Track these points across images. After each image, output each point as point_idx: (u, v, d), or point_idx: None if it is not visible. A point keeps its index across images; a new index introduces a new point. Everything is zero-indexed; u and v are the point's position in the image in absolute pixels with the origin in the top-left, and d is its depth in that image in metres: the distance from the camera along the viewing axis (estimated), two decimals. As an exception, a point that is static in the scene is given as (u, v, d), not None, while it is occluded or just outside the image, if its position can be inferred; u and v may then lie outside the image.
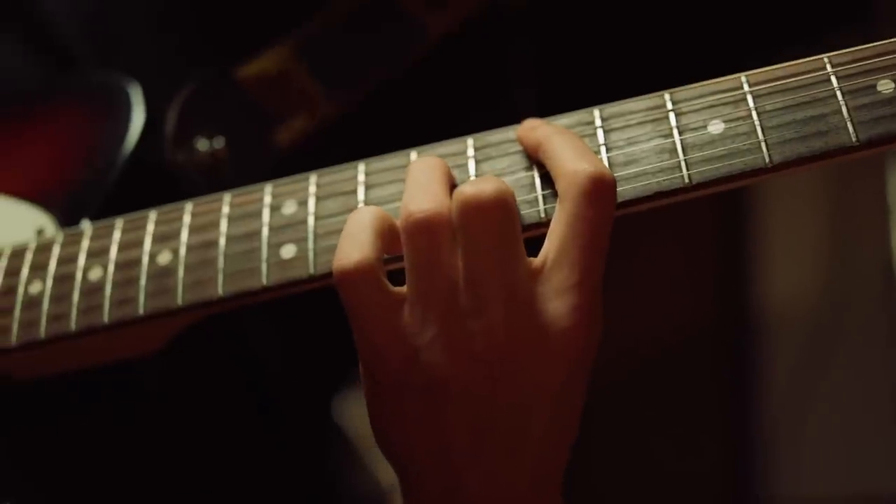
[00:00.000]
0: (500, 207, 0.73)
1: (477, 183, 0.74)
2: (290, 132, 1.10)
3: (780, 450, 2.74)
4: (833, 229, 2.72)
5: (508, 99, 1.27)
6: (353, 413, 2.03)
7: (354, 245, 0.75)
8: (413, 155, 0.85)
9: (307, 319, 1.18)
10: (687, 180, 0.78)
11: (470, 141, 0.84)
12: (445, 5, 1.18)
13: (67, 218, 0.98)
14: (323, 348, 1.25)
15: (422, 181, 0.77)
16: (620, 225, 0.77)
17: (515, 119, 1.11)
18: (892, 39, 0.77)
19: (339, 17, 1.14)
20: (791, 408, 2.72)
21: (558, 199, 0.76)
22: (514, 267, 0.74)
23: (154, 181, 1.02)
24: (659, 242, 2.37)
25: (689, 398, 2.49)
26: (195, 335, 0.94)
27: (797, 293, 2.76)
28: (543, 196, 0.80)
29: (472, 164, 0.83)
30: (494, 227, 0.73)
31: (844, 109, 0.76)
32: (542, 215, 0.80)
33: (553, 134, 0.79)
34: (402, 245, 0.75)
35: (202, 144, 1.05)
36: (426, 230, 0.74)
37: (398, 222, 0.75)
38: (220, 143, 1.06)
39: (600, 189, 0.74)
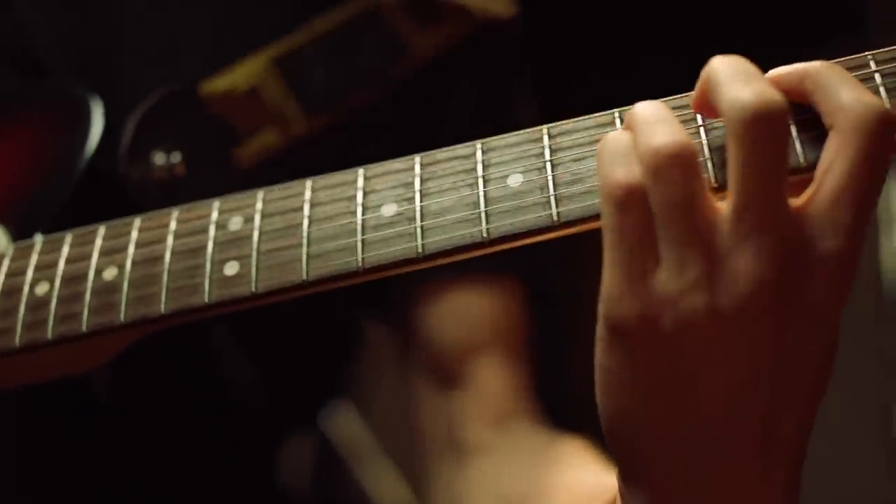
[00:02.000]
0: (786, 119, 0.66)
1: (760, 89, 0.66)
2: (255, 148, 1.09)
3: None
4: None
5: (509, 119, 1.25)
6: (341, 424, 2.03)
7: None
8: (361, 171, 0.84)
9: (280, 334, 1.16)
10: None
11: (418, 158, 0.83)
12: (434, 25, 1.16)
13: (21, 231, 0.97)
14: (299, 363, 1.24)
15: (660, 115, 0.69)
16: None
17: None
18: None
19: (321, 33, 1.13)
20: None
21: (835, 133, 0.68)
22: (784, 195, 0.66)
23: (110, 195, 1.01)
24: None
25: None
26: (155, 345, 0.93)
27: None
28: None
29: (417, 182, 0.82)
30: (777, 141, 0.65)
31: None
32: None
33: (820, 65, 0.70)
34: (651, 184, 0.66)
35: (159, 158, 1.04)
36: (682, 161, 0.66)
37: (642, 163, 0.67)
38: (177, 158, 1.05)
39: (888, 127, 0.67)
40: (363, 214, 0.82)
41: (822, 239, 0.66)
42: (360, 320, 1.30)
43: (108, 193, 1.01)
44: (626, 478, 0.71)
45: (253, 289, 0.83)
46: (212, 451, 1.15)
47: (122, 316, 0.85)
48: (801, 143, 0.72)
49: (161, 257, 0.86)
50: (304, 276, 0.81)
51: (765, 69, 0.76)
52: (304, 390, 1.27)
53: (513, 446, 1.14)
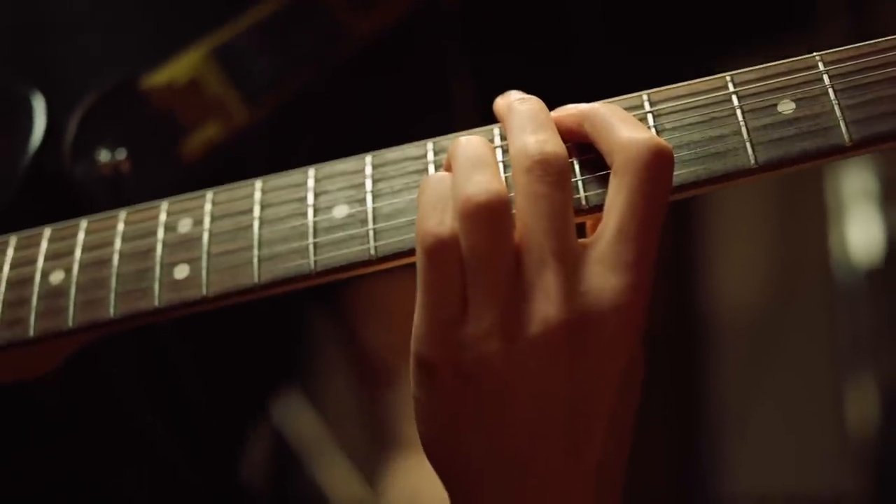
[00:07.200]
0: (564, 167, 0.71)
1: (543, 138, 0.71)
2: (200, 141, 1.07)
3: (725, 447, 2.75)
4: (775, 232, 2.72)
5: (445, 102, 1.25)
6: (295, 418, 2.01)
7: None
8: (311, 172, 0.83)
9: (227, 326, 1.15)
10: None
11: (368, 158, 0.82)
12: (372, 7, 1.15)
13: (-37, 234, 0.95)
14: (246, 357, 1.22)
15: (479, 157, 0.72)
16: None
17: (452, 121, 1.07)
18: (795, 58, 0.76)
19: (257, 21, 1.11)
20: (736, 406, 2.73)
21: (614, 173, 0.71)
22: (571, 236, 0.70)
23: (55, 194, 0.99)
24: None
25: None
26: (101, 348, 0.91)
27: (742, 294, 2.76)
28: None
29: (369, 183, 0.81)
30: (553, 191, 0.70)
31: (744, 130, 0.74)
32: None
33: (598, 106, 0.75)
34: (461, 232, 0.70)
35: (104, 156, 1.03)
36: (490, 212, 0.69)
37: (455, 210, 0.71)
38: (122, 154, 1.03)
39: (662, 161, 0.70)
40: (315, 216, 0.81)
41: (609, 275, 0.69)
42: (309, 314, 1.29)
43: (53, 193, 0.99)
44: (450, 495, 0.75)
45: (204, 292, 0.81)
46: (165, 455, 1.13)
47: (70, 321, 0.84)
48: (584, 183, 0.75)
49: (109, 260, 0.85)
50: (256, 280, 0.80)
51: (709, 66, 0.77)
52: (255, 383, 1.25)
53: None
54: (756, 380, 2.68)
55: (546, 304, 0.69)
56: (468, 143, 0.74)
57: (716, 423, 2.79)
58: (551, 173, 0.70)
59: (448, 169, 0.74)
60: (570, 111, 0.75)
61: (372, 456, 1.28)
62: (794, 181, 2.55)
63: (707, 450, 2.80)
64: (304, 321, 1.29)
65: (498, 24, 2.26)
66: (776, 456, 2.64)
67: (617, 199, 0.70)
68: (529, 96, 0.76)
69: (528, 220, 0.70)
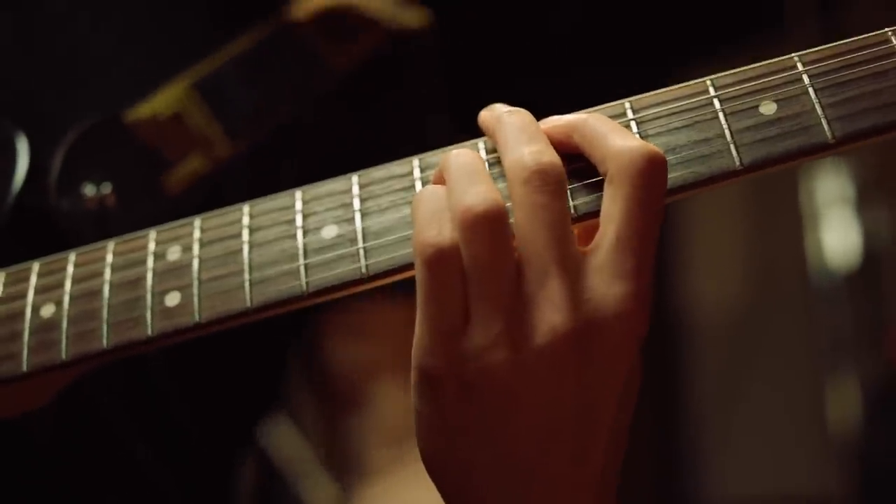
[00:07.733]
0: (560, 177, 0.71)
1: (534, 148, 0.71)
2: (184, 174, 1.07)
3: (707, 451, 2.76)
4: (752, 236, 2.74)
5: (420, 129, 1.25)
6: (281, 438, 2.01)
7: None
8: (298, 194, 0.83)
9: (214, 353, 1.15)
10: None
11: (355, 178, 0.83)
12: (350, 40, 1.16)
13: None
14: (234, 383, 1.22)
15: (473, 170, 0.72)
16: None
17: (428, 148, 1.08)
18: (773, 60, 0.77)
19: (237, 54, 1.11)
20: (716, 409, 2.74)
21: (608, 181, 0.72)
22: (572, 244, 0.71)
23: (40, 230, 0.99)
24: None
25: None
26: (91, 379, 0.91)
27: (721, 299, 2.78)
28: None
29: (356, 202, 0.81)
30: (552, 200, 0.70)
31: (727, 132, 0.75)
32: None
33: (587, 116, 0.75)
34: (461, 242, 0.70)
35: (89, 190, 1.02)
36: (490, 222, 0.70)
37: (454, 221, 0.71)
38: (107, 188, 1.03)
39: (655, 168, 0.71)
40: (304, 237, 0.81)
41: (611, 283, 0.70)
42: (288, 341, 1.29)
43: (38, 228, 0.99)
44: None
45: (196, 318, 0.81)
46: (156, 482, 1.13)
47: (63, 353, 0.84)
48: (573, 193, 0.75)
49: (99, 291, 0.85)
50: (248, 303, 0.81)
51: (683, 70, 0.77)
52: (243, 408, 1.25)
53: (409, 465, 1.14)
54: (737, 383, 2.69)
55: (552, 313, 0.69)
56: (460, 155, 0.74)
57: (697, 427, 2.80)
58: (549, 183, 0.71)
59: (438, 183, 0.75)
60: (558, 122, 0.75)
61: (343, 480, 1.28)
62: (770, 185, 2.57)
63: (689, 454, 2.81)
64: (290, 345, 1.30)
65: (476, 53, 2.27)
66: (758, 459, 2.65)
67: (613, 207, 0.71)
68: (517, 108, 0.76)
69: (528, 230, 0.70)
